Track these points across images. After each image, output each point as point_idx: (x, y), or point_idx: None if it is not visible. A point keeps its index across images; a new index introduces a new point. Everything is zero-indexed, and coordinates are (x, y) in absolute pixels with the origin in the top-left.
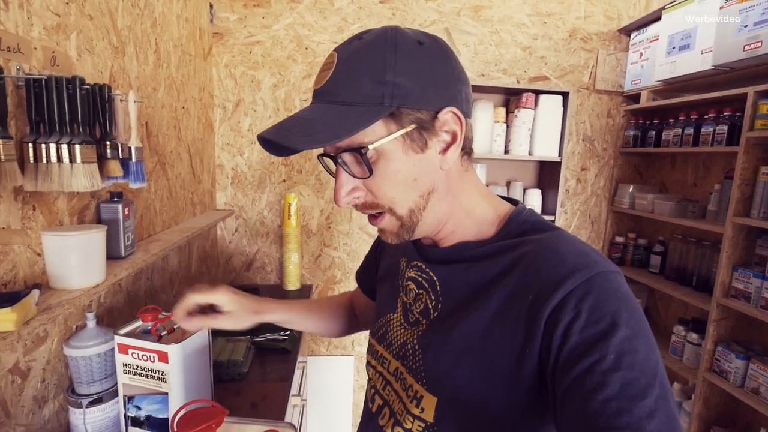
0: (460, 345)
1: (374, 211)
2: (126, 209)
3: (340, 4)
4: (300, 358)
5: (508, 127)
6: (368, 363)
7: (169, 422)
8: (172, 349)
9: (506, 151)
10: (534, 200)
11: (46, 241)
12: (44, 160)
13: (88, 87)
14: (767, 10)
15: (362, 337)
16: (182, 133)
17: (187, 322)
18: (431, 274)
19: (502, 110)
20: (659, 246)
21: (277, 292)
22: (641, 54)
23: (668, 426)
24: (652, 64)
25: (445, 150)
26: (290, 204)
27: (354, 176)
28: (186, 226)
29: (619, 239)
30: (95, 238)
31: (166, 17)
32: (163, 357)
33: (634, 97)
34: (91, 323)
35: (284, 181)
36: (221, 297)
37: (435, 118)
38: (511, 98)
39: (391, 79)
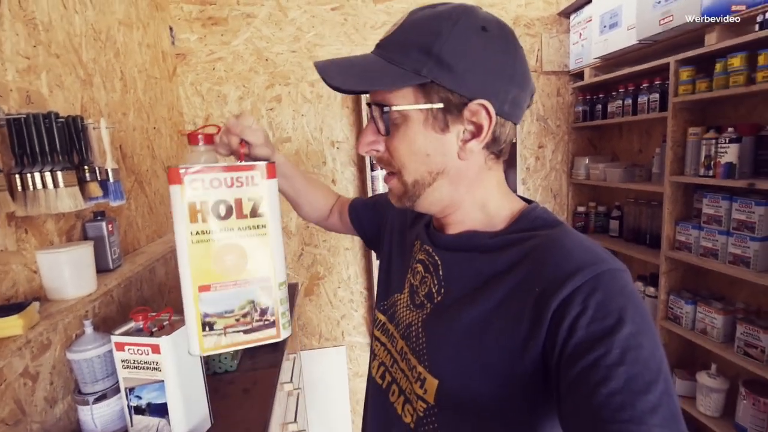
0: (461, 333)
1: (389, 170)
2: (110, 226)
3: (293, 14)
4: (289, 351)
5: None
6: (376, 338)
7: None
8: (163, 341)
9: None
10: None
11: (40, 259)
12: (31, 187)
13: (62, 120)
14: None
15: (351, 327)
16: (156, 152)
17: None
18: (436, 258)
19: None
20: (616, 211)
21: None
22: (580, 34)
23: (671, 421)
24: (589, 43)
25: (467, 140)
26: None
27: (378, 131)
28: (169, 238)
29: (581, 209)
30: (84, 252)
31: (128, 46)
32: (156, 349)
33: (580, 75)
34: (89, 329)
35: None
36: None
37: (465, 105)
38: None
39: (437, 52)
